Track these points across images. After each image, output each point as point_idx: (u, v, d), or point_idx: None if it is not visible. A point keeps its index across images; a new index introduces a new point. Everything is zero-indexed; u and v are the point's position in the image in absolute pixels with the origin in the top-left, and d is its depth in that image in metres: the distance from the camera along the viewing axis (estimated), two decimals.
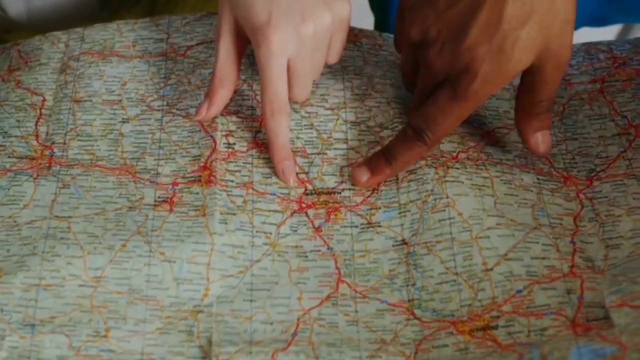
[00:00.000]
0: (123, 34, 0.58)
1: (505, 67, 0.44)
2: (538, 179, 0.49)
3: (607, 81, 0.54)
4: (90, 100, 0.54)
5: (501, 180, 0.48)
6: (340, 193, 0.49)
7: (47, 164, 0.51)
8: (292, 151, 0.51)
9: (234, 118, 0.52)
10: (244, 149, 0.51)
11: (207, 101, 0.51)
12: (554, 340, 0.41)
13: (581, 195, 0.49)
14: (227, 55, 0.50)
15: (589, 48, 0.56)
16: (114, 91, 0.55)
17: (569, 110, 0.53)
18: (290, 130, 0.52)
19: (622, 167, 0.49)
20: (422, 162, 0.49)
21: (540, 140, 0.48)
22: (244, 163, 0.50)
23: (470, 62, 0.44)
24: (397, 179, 0.50)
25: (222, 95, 0.51)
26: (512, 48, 0.43)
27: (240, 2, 0.48)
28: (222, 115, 0.52)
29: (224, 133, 0.51)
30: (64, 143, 0.52)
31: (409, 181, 0.49)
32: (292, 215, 0.48)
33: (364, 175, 0.49)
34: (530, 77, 0.46)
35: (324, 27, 0.48)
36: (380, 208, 0.49)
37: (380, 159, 0.49)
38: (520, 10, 0.43)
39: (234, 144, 0.51)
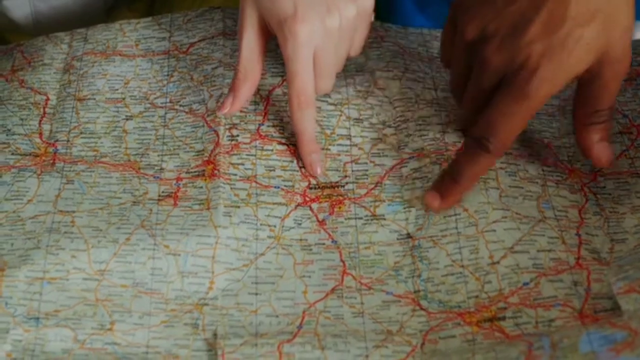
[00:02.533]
0: (125, 33, 0.58)
1: (566, 64, 0.42)
2: (543, 170, 0.49)
3: None
4: (94, 99, 0.54)
5: (506, 172, 0.48)
6: (344, 186, 0.49)
7: (51, 161, 0.51)
8: (294, 145, 0.51)
9: (237, 112, 0.52)
10: (247, 140, 0.51)
11: (231, 95, 0.50)
12: (562, 330, 0.40)
13: (585, 189, 0.49)
14: (251, 49, 0.49)
15: None
16: (117, 89, 0.55)
17: (570, 107, 0.53)
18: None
19: (625, 165, 0.50)
20: (427, 160, 0.49)
21: (601, 153, 0.46)
22: (247, 155, 0.50)
23: (530, 57, 0.42)
24: (402, 174, 0.49)
25: (247, 89, 0.50)
26: (574, 45, 0.42)
27: None
28: None
29: (227, 127, 0.51)
30: (68, 140, 0.52)
31: (413, 179, 0.49)
32: (296, 208, 0.48)
33: (435, 200, 0.47)
34: (587, 83, 0.45)
35: (349, 19, 0.48)
36: (384, 201, 0.49)
37: (446, 179, 0.47)
38: (585, 8, 0.42)
39: (237, 135, 0.51)
